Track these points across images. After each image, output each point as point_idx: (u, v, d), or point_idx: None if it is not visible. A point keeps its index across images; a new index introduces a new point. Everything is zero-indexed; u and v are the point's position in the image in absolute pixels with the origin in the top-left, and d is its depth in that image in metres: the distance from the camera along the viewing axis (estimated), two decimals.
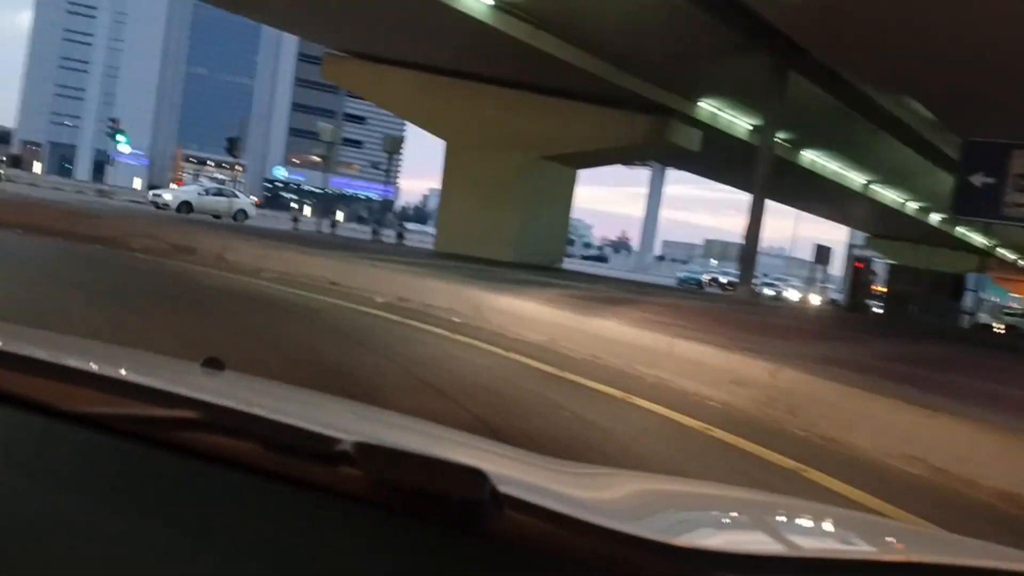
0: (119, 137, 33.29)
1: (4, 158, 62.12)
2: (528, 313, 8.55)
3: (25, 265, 9.23)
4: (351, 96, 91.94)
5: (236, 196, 28.32)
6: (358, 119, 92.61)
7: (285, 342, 6.51)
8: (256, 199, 26.48)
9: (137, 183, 65.66)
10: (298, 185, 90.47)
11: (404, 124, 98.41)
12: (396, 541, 0.72)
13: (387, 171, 25.38)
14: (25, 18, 79.38)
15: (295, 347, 6.34)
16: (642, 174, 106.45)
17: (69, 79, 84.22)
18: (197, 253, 12.10)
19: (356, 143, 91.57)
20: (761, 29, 17.23)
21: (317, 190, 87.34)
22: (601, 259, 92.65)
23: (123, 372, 1.10)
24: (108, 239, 12.47)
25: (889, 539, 1.14)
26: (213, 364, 1.25)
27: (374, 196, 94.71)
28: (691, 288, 34.62)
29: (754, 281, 23.16)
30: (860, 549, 1.01)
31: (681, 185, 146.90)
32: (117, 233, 12.83)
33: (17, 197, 16.09)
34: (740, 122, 25.66)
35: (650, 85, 21.17)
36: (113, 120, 34.68)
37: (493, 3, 17.25)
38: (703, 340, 7.08)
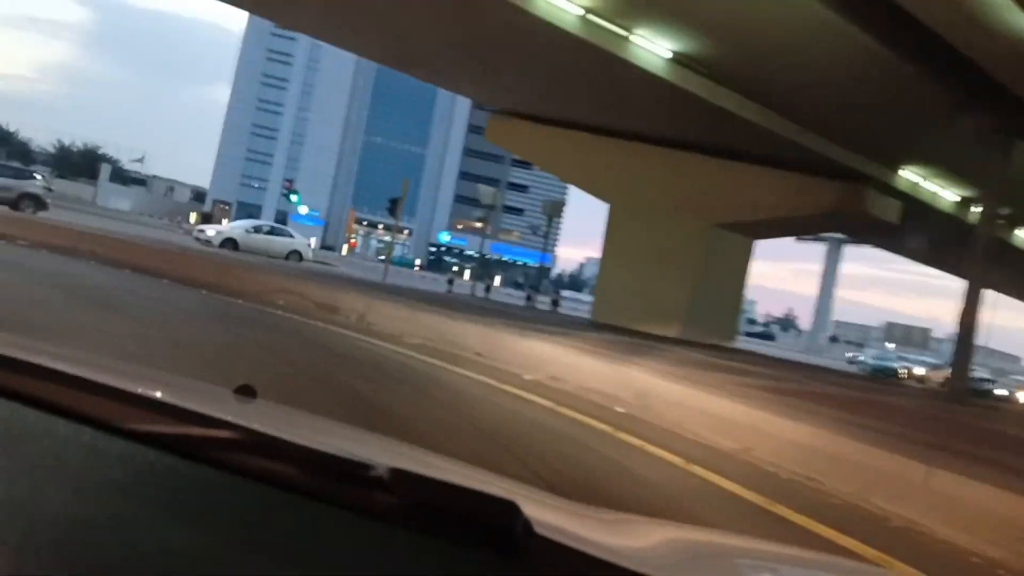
0: (292, 197, 34.59)
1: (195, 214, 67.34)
2: (711, 408, 6.80)
3: (168, 322, 8.57)
4: (515, 165, 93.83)
5: (292, 236, 27.31)
6: (520, 187, 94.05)
7: (414, 435, 5.15)
8: (311, 240, 26.33)
9: (312, 242, 69.38)
10: (460, 250, 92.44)
11: (566, 191, 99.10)
12: (429, 562, 0.74)
13: (546, 235, 24.32)
14: (225, 92, 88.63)
15: (425, 445, 4.95)
16: (807, 249, 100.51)
17: (259, 145, 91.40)
18: (339, 312, 11.27)
19: (517, 211, 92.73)
20: (983, 87, 14.81)
21: (476, 254, 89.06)
22: (767, 336, 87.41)
23: (163, 395, 1.16)
24: (252, 294, 11.93)
25: None
26: (245, 391, 1.27)
27: (531, 262, 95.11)
28: (884, 378, 30.73)
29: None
30: None
31: (854, 262, 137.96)
32: (263, 288, 12.28)
33: (183, 250, 16.20)
34: (945, 193, 22.64)
35: (841, 148, 18.91)
36: (288, 181, 36.30)
37: (671, 56, 15.89)
38: (972, 471, 5.05)
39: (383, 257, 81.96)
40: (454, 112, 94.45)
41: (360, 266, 47.03)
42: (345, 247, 65.68)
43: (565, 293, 55.99)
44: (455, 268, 63.13)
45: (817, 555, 1.53)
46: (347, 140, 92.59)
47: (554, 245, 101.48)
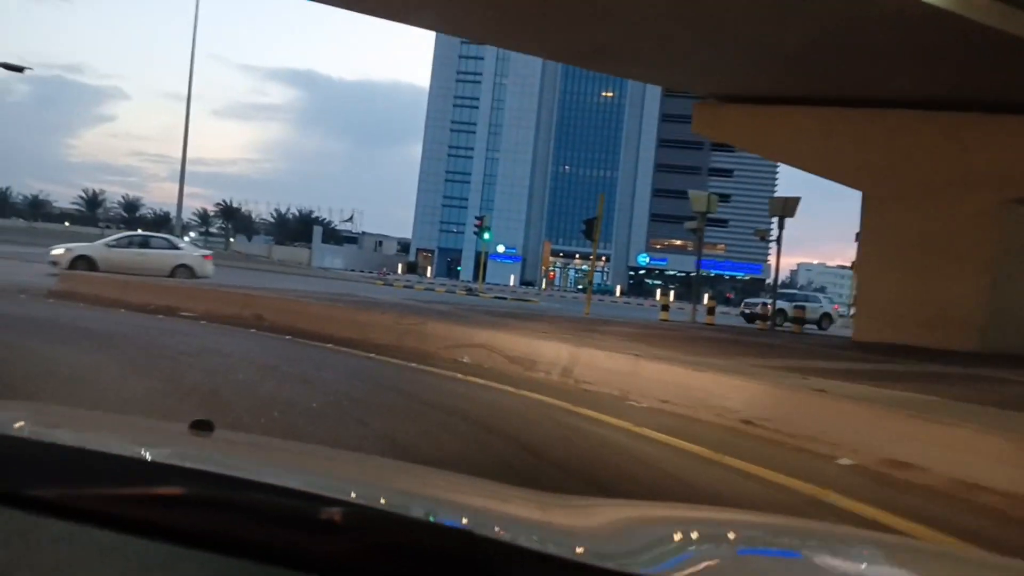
0: (485, 235, 32.87)
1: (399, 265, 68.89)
2: None
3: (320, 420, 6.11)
4: (712, 174, 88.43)
5: (176, 247, 20.50)
6: (722, 197, 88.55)
7: None
8: (205, 253, 21.94)
9: (512, 279, 68.51)
10: (660, 270, 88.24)
11: (773, 190, 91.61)
12: None
13: (778, 240, 20.26)
14: (418, 149, 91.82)
15: None
16: None
17: (454, 190, 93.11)
18: (538, 367, 8.41)
19: (721, 222, 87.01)
20: None
21: (680, 273, 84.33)
22: None
23: (105, 444, 1.12)
24: (429, 354, 9.40)
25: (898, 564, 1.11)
26: (202, 426, 1.23)
27: (740, 275, 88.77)
28: None
29: None
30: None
31: None
32: (442, 342, 9.74)
33: (355, 305, 14.26)
34: None
35: None
36: (478, 219, 34.59)
37: None
38: None
39: (582, 286, 80.00)
40: (642, 130, 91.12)
41: (560, 299, 44.84)
42: (544, 280, 63.98)
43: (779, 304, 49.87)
44: (661, 291, 59.13)
45: (794, 521, 1.57)
46: (536, 174, 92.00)
47: (767, 254, 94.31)
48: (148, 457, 1.03)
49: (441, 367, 8.58)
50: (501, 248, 79.78)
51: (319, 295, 15.93)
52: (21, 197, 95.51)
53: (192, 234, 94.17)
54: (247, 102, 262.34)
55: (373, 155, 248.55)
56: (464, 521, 0.92)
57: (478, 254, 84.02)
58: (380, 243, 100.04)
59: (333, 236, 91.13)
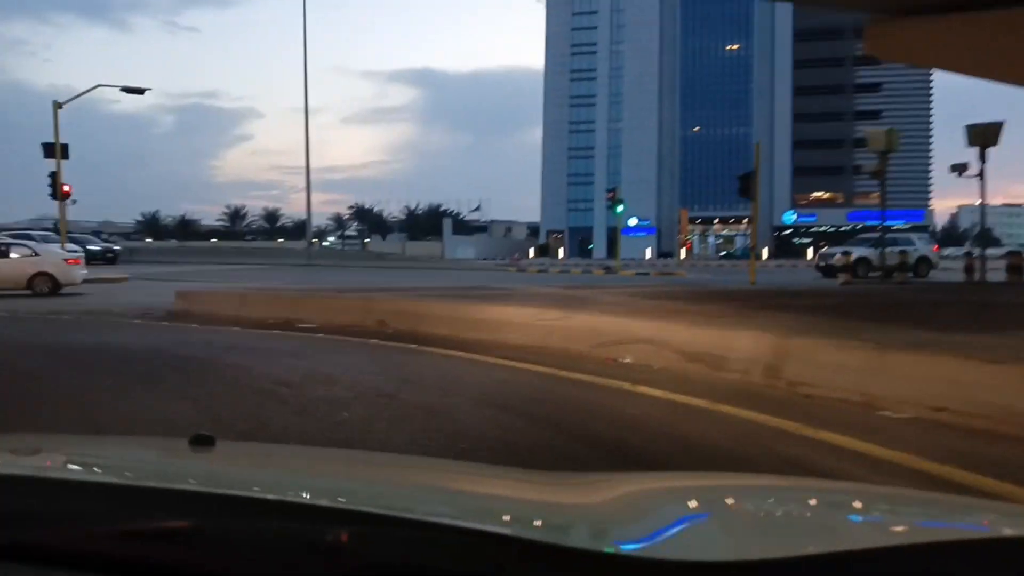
0: (618, 207, 30.65)
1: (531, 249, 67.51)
2: None
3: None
4: (858, 120, 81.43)
5: (33, 252, 17.56)
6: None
7: None
8: (70, 256, 18.54)
9: (647, 253, 65.64)
10: (807, 227, 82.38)
11: (929, 129, 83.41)
12: None
13: (981, 175, 16.91)
14: (539, 132, 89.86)
15: None
16: None
17: (578, 167, 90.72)
18: (728, 365, 6.35)
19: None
20: None
21: (830, 228, 78.25)
22: None
23: (101, 472, 1.17)
24: (583, 356, 7.53)
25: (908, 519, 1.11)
26: (202, 441, 1.20)
27: (898, 224, 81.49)
28: None
29: None
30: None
31: None
32: (600, 339, 7.82)
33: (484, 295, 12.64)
34: None
35: None
36: (610, 191, 32.33)
37: None
38: None
39: (723, 253, 75.71)
40: (775, 80, 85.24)
41: (706, 269, 41.84)
42: (683, 250, 60.85)
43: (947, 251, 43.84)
44: (811, 249, 54.61)
45: (800, 480, 1.83)
46: (663, 140, 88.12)
47: (926, 196, 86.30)
48: (136, 484, 1.03)
49: (600, 373, 6.70)
50: (633, 221, 76.69)
51: (449, 291, 14.44)
52: (170, 218, 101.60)
53: (330, 238, 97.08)
54: (372, 107, 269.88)
55: (495, 143, 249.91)
56: (460, 518, 0.92)
57: (610, 230, 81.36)
58: (509, 229, 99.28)
59: (463, 227, 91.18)
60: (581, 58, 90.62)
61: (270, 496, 0.98)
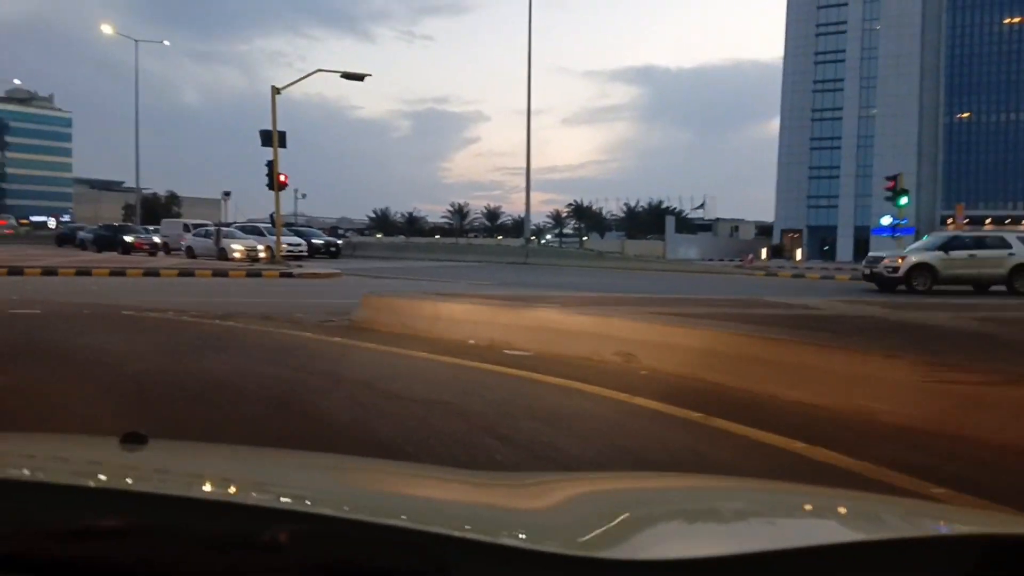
0: (902, 199, 24.87)
1: (763, 249, 61.17)
2: None
3: None
4: None
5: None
6: None
7: None
8: None
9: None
10: None
11: None
12: None
13: None
14: (769, 127, 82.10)
15: None
16: None
17: (821, 159, 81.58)
18: None
19: None
20: None
21: None
22: None
23: (32, 470, 1.14)
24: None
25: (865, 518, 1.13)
26: (135, 439, 1.19)
27: None
28: None
29: None
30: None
31: None
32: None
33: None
34: None
35: None
36: (891, 179, 26.39)
37: None
38: None
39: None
40: None
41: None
42: None
43: None
44: None
45: (746, 481, 1.75)
46: (924, 129, 76.96)
47: None
48: (71, 482, 1.00)
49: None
50: (887, 220, 67.30)
51: (709, 302, 10.53)
52: (399, 215, 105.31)
53: (548, 236, 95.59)
54: (592, 107, 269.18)
55: (718, 139, 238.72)
56: (409, 518, 0.90)
57: (856, 229, 72.50)
58: (736, 228, 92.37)
59: (686, 225, 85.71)
60: (827, 39, 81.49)
61: (209, 495, 0.97)
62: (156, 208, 79.57)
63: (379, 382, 6.18)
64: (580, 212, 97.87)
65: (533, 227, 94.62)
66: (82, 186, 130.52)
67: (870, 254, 21.47)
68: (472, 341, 8.26)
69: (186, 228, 33.55)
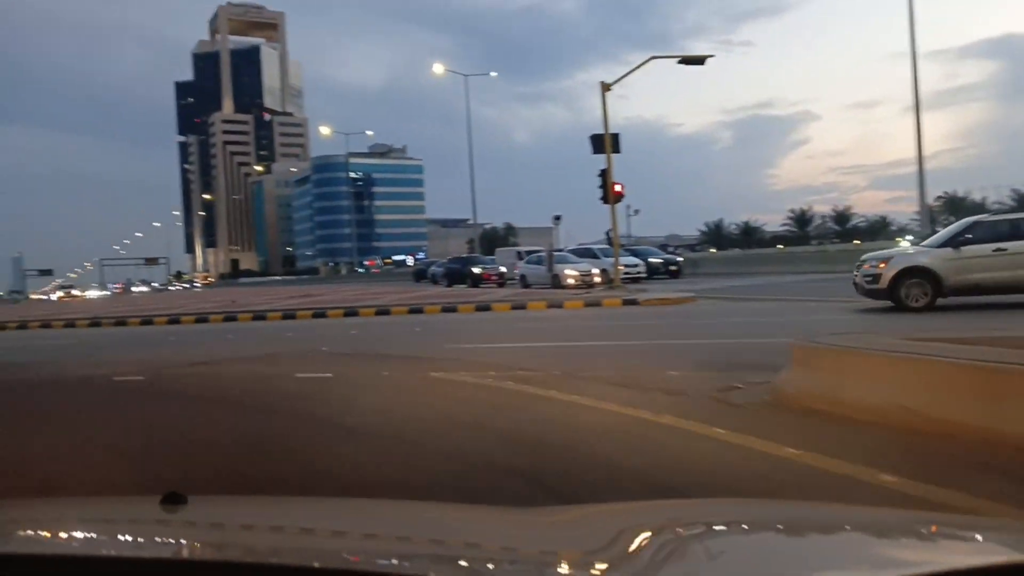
0: None
1: None
2: None
3: None
4: None
5: None
6: None
7: None
8: None
9: None
10: None
11: None
12: None
13: None
14: None
15: None
16: None
17: None
18: None
19: None
20: None
21: None
22: None
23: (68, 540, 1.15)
24: None
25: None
26: (174, 500, 1.18)
27: None
28: None
29: None
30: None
31: None
32: None
33: None
34: None
35: None
36: None
37: None
38: None
39: None
40: None
41: None
42: None
43: None
44: None
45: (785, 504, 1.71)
46: None
47: None
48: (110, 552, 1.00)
49: None
50: None
51: None
52: (732, 226, 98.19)
53: (908, 237, 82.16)
54: (939, 90, 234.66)
55: None
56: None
57: None
58: None
59: None
60: None
61: (243, 558, 0.97)
62: (495, 240, 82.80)
63: None
64: (953, 205, 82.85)
65: (894, 227, 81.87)
66: (433, 225, 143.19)
67: (864, 256, 13.78)
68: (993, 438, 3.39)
69: (519, 256, 31.79)
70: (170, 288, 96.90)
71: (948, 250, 12.44)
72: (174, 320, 20.44)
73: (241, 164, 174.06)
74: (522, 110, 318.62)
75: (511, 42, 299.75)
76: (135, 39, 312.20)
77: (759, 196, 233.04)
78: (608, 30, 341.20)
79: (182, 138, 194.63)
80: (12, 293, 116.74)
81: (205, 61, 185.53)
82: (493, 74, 65.67)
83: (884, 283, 12.51)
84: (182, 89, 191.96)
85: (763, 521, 1.25)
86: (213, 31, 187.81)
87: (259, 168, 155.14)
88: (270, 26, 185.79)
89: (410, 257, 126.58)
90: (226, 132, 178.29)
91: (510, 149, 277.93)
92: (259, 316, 19.81)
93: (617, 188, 19.45)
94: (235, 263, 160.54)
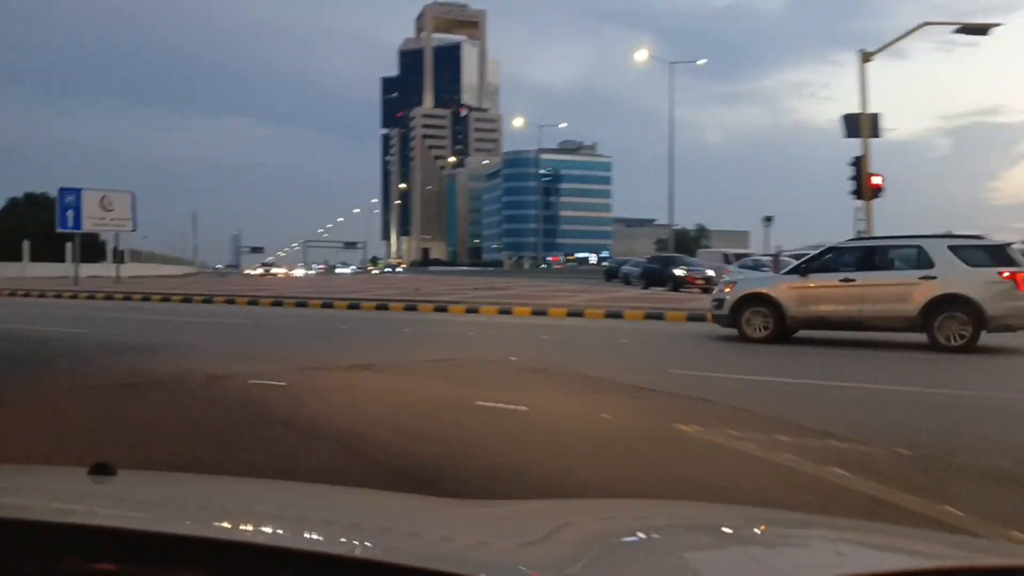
0: None
1: None
2: None
3: None
4: None
5: None
6: None
7: None
8: None
9: None
10: None
11: None
12: None
13: None
14: None
15: None
16: None
17: None
18: None
19: None
20: None
21: None
22: None
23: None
24: None
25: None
26: (102, 470, 1.17)
27: None
28: None
29: None
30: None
31: None
32: None
33: None
34: None
35: None
36: None
37: None
38: None
39: None
40: None
41: None
42: None
43: None
44: None
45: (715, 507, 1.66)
46: None
47: None
48: (37, 517, 0.97)
49: None
50: None
51: None
52: None
53: None
54: None
55: None
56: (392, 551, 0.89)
57: None
58: None
59: None
60: None
61: (175, 530, 0.95)
62: (686, 242, 78.55)
63: None
64: None
65: None
66: (619, 224, 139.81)
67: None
68: None
69: (726, 259, 28.04)
70: (371, 272, 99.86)
71: (795, 277, 11.10)
72: (353, 306, 19.05)
73: (437, 157, 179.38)
74: (717, 109, 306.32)
75: (709, 40, 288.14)
76: (348, 39, 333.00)
77: (975, 210, 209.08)
78: (813, 29, 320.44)
79: (384, 131, 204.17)
80: (228, 267, 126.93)
81: (410, 58, 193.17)
82: (701, 62, 60.53)
83: (726, 309, 11.35)
84: (387, 84, 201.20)
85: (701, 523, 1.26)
86: (419, 28, 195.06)
87: (452, 160, 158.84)
88: (472, 24, 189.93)
89: (592, 255, 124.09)
90: (425, 126, 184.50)
91: (702, 149, 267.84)
92: (440, 308, 17.92)
93: (875, 180, 15.63)
94: (425, 252, 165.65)
